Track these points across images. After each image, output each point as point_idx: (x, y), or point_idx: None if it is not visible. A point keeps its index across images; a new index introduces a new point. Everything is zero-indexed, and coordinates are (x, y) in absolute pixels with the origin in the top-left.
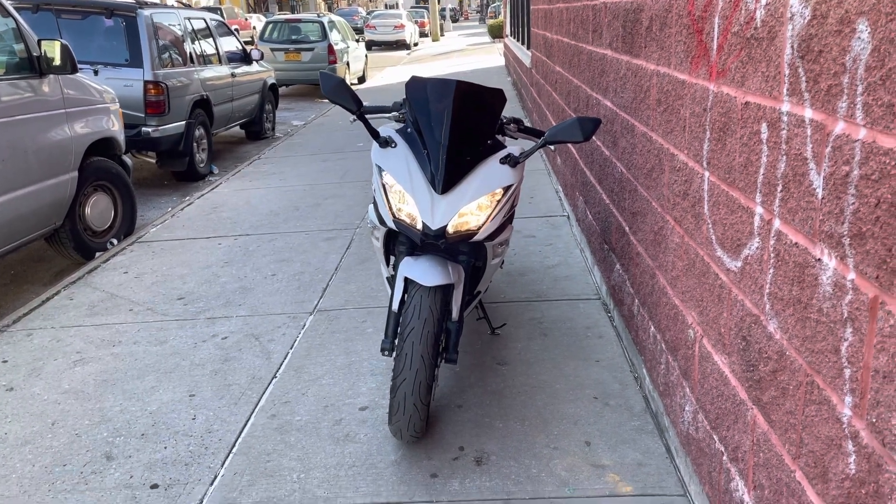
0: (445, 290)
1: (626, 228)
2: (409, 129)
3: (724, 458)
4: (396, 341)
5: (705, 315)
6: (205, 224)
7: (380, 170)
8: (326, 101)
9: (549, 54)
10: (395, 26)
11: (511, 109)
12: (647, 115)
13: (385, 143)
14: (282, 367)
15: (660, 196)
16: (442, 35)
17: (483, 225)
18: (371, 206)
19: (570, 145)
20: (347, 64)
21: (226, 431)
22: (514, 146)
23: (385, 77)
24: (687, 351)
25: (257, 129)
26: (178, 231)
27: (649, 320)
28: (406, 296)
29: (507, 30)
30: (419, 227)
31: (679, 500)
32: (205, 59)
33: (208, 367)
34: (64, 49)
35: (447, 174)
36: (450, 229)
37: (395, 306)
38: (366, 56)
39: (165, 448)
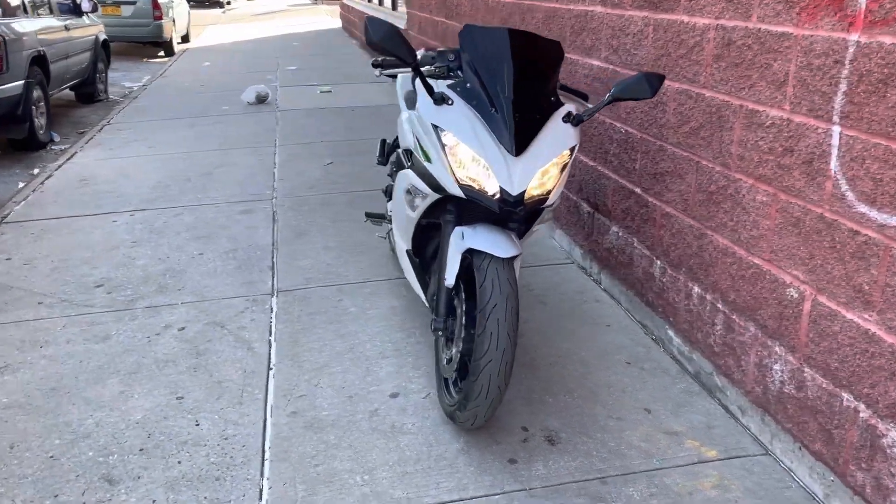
0: (512, 262)
1: (637, 190)
2: (468, 84)
3: (862, 414)
4: (478, 318)
5: (820, 273)
6: (80, 199)
7: (437, 129)
8: (153, 61)
9: (454, 14)
10: None
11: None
12: (695, 72)
13: (440, 99)
14: (271, 357)
15: (721, 154)
16: None
17: (552, 189)
18: (409, 172)
19: None
20: (173, 20)
21: (245, 436)
22: (570, 104)
23: (209, 37)
24: (782, 310)
25: (90, 91)
26: (51, 208)
27: (689, 282)
28: (471, 270)
29: None
30: (493, 192)
31: (765, 459)
32: (35, 8)
33: (182, 364)
34: None
35: (519, 134)
36: (526, 195)
37: (450, 281)
38: (188, 13)
39: (179, 463)
